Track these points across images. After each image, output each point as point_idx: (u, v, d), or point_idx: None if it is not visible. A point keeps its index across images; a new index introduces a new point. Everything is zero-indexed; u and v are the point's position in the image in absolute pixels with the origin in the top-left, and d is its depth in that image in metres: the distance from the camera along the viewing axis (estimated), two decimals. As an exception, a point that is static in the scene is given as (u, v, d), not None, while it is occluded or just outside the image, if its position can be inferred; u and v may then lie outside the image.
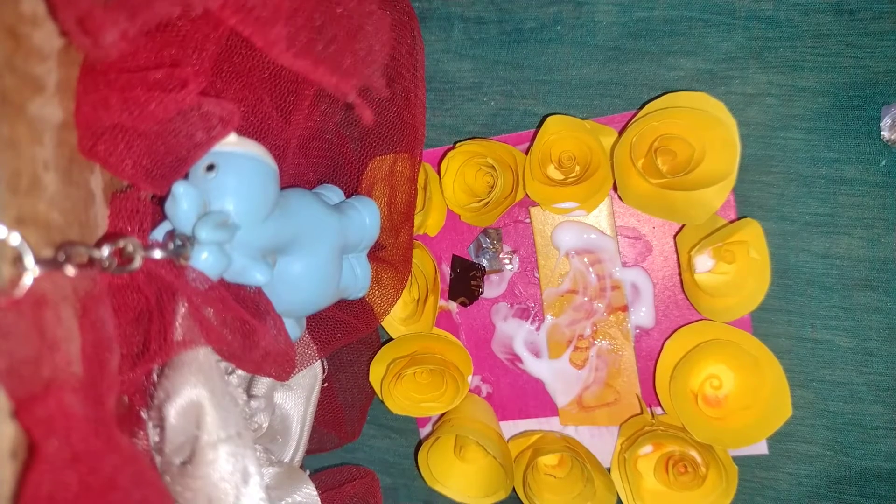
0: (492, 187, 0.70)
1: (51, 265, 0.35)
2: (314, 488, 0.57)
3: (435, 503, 0.82)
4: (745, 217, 0.65)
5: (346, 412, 0.75)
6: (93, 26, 0.36)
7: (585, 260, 0.72)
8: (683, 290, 0.69)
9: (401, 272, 0.68)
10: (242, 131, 0.49)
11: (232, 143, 0.46)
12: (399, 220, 0.65)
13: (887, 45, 0.63)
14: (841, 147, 0.65)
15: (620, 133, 0.66)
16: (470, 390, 0.77)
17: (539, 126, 0.68)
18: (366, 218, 0.61)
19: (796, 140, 0.66)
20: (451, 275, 0.76)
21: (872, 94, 0.64)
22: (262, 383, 0.58)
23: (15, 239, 0.34)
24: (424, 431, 0.80)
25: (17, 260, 0.34)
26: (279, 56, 0.41)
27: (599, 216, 0.71)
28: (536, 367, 0.75)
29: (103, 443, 0.36)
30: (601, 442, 0.74)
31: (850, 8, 0.63)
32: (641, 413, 0.72)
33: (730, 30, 0.66)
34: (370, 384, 0.77)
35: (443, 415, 0.77)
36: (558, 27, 0.70)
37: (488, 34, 0.72)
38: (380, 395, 0.74)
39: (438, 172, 0.72)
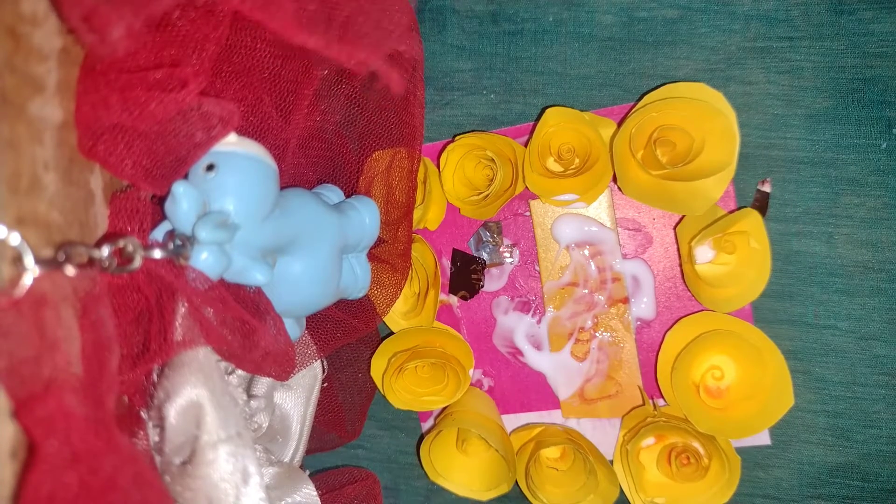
0: (491, 180, 0.70)
1: (51, 265, 0.35)
2: (314, 488, 0.58)
3: (436, 500, 0.82)
4: (745, 207, 0.65)
5: (346, 411, 0.75)
6: (98, 23, 0.36)
7: (586, 252, 0.72)
8: (684, 282, 0.70)
9: (400, 270, 0.68)
10: (242, 131, 0.50)
11: (232, 142, 0.46)
12: (398, 216, 0.65)
13: (887, 45, 0.63)
14: (841, 141, 0.65)
15: (619, 124, 0.66)
16: (471, 384, 0.78)
17: (538, 118, 0.68)
18: (365, 218, 0.61)
19: (796, 140, 0.66)
20: (451, 269, 0.76)
21: (872, 94, 0.64)
22: (262, 383, 0.58)
23: (15, 239, 0.34)
24: (426, 426, 0.80)
25: (17, 260, 0.34)
26: (293, 36, 0.41)
27: (599, 208, 0.71)
28: (538, 360, 0.75)
29: (103, 443, 0.36)
30: (603, 434, 0.74)
31: (848, 8, 0.63)
32: (643, 405, 0.72)
33: (729, 29, 0.66)
34: (370, 383, 0.77)
35: (444, 409, 0.77)
36: (551, 18, 0.70)
37: (482, 27, 0.72)
38: (381, 390, 0.75)
39: (438, 167, 0.72)
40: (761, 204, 0.67)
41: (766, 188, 0.66)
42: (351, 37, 0.44)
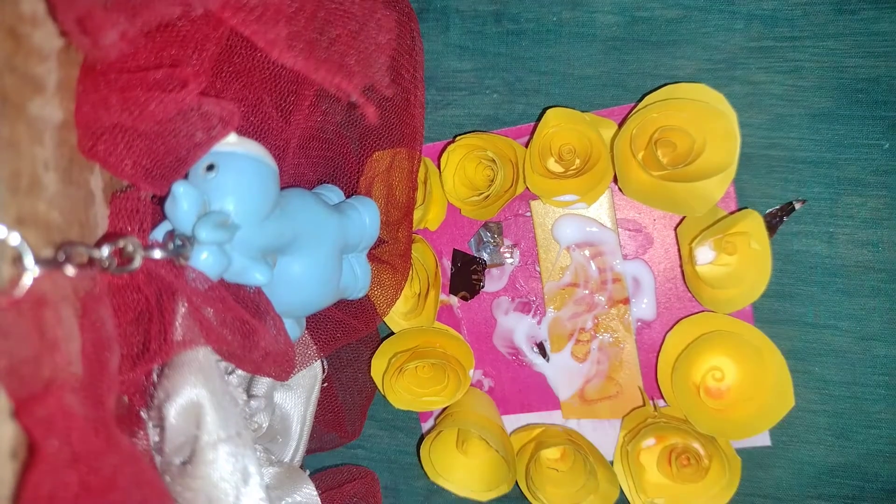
0: (492, 181, 0.70)
1: (51, 265, 0.35)
2: (314, 488, 0.58)
3: (436, 500, 0.82)
4: (746, 208, 0.65)
5: (346, 411, 0.75)
6: (92, 26, 0.36)
7: (586, 253, 0.72)
8: (685, 282, 0.70)
9: (400, 270, 0.68)
10: (242, 131, 0.50)
11: (232, 143, 0.46)
12: (398, 216, 0.65)
13: (890, 45, 0.62)
14: (843, 141, 0.65)
15: (620, 125, 0.66)
16: (472, 384, 0.78)
17: (539, 119, 0.68)
18: (365, 218, 0.61)
19: (798, 140, 0.66)
20: (451, 269, 0.76)
21: (875, 94, 0.64)
22: (262, 383, 0.58)
23: (15, 239, 0.34)
24: (426, 426, 0.80)
25: (17, 260, 0.34)
26: (280, 56, 0.41)
27: (600, 209, 0.71)
28: (538, 360, 0.75)
29: (103, 443, 0.36)
30: (603, 435, 0.74)
31: (851, 8, 0.63)
32: (644, 405, 0.72)
33: (730, 29, 0.66)
34: (370, 383, 0.77)
35: (445, 409, 0.77)
36: (553, 18, 0.70)
37: (485, 27, 0.72)
38: (381, 390, 0.75)
39: (438, 167, 0.72)
40: (776, 220, 0.67)
41: (796, 205, 0.66)
42: (334, 62, 0.44)
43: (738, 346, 0.65)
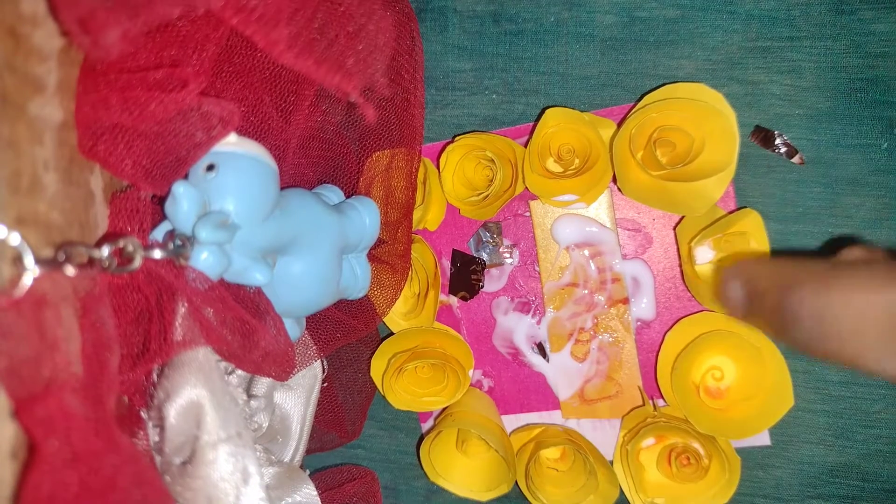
0: (491, 181, 0.70)
1: (51, 265, 0.35)
2: (314, 488, 0.58)
3: (436, 500, 0.82)
4: (745, 207, 0.65)
5: (346, 411, 0.75)
6: (93, 26, 0.36)
7: (586, 253, 0.72)
8: (684, 282, 0.69)
9: (400, 270, 0.68)
10: (242, 131, 0.50)
11: (232, 143, 0.46)
12: (398, 217, 0.65)
13: (888, 45, 0.62)
14: (841, 141, 0.65)
15: (619, 125, 0.66)
16: (471, 384, 0.78)
17: (538, 119, 0.68)
18: (365, 218, 0.61)
19: (797, 140, 0.66)
20: (451, 269, 0.76)
21: (874, 94, 0.64)
22: (262, 383, 0.58)
23: (15, 239, 0.34)
24: (426, 426, 0.80)
25: (17, 260, 0.34)
26: (281, 56, 0.41)
27: (599, 209, 0.71)
28: (538, 360, 0.75)
29: (103, 443, 0.36)
30: (603, 435, 0.74)
31: (849, 8, 0.63)
32: (643, 405, 0.72)
33: (730, 29, 0.66)
34: (370, 383, 0.77)
35: (444, 409, 0.77)
36: (552, 18, 0.70)
37: (484, 27, 0.72)
38: (381, 390, 0.75)
39: (438, 167, 0.72)
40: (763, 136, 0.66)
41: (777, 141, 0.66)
42: (333, 62, 0.44)
43: (737, 346, 0.65)
